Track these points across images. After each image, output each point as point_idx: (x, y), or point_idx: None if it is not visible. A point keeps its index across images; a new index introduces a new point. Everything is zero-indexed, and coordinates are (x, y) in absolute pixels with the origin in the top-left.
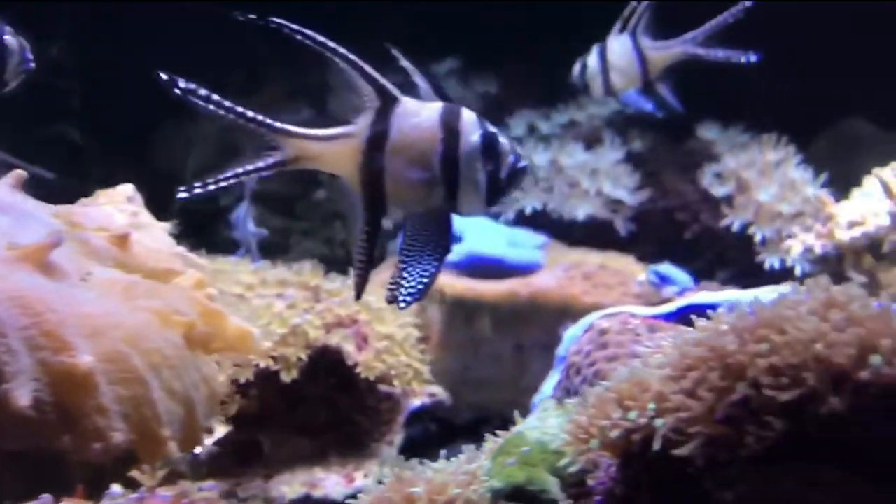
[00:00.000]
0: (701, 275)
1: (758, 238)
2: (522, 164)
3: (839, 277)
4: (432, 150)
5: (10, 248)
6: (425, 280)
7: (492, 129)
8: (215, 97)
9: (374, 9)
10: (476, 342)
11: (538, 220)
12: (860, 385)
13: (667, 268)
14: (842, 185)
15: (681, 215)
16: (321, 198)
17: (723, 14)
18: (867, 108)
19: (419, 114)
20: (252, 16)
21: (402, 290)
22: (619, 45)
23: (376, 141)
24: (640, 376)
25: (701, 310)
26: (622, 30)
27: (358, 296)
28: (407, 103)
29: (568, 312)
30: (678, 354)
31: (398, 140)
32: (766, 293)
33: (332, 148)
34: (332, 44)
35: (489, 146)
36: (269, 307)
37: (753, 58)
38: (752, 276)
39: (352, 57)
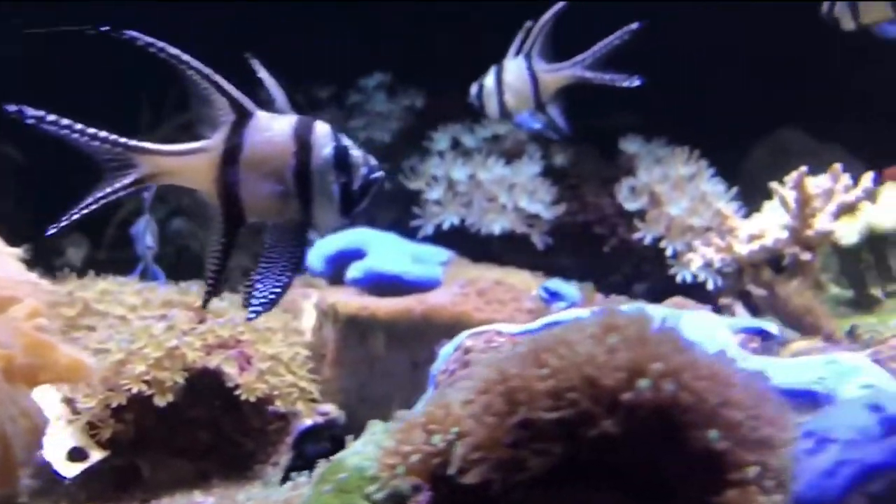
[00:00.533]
0: (617, 289)
1: (669, 251)
2: (376, 175)
3: (740, 291)
4: (285, 163)
5: None
6: (277, 290)
7: (345, 141)
8: (66, 121)
9: (302, 21)
10: (371, 360)
11: (456, 236)
12: (628, 408)
13: (556, 283)
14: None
15: (599, 229)
16: None
17: (609, 37)
18: (802, 118)
19: (272, 128)
20: (105, 27)
21: (254, 299)
22: (514, 67)
23: (231, 155)
24: (446, 400)
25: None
26: (518, 51)
27: (204, 304)
28: (261, 117)
29: (460, 329)
30: (478, 378)
31: (251, 154)
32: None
33: (188, 163)
34: (186, 57)
35: (341, 159)
36: (147, 329)
37: (637, 81)
38: (668, 289)
39: (206, 70)
